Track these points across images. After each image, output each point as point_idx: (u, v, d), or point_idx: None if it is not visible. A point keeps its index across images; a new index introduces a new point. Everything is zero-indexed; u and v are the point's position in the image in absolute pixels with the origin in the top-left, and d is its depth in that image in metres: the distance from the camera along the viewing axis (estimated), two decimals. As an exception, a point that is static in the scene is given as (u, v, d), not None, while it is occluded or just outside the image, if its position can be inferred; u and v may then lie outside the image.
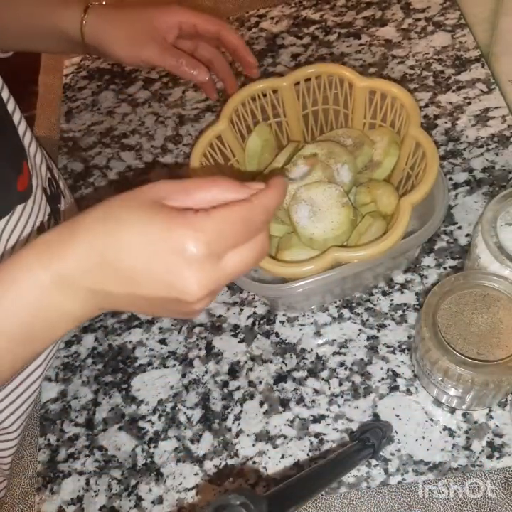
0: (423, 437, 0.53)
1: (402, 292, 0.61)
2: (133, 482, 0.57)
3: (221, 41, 0.64)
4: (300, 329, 0.61)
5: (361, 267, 0.53)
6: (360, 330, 0.60)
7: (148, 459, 0.58)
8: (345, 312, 0.61)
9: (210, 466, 0.56)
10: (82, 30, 0.60)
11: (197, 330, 0.63)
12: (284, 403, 0.58)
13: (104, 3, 0.61)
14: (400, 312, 0.60)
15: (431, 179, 0.51)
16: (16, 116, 0.56)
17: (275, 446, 0.56)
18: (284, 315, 0.62)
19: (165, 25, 0.60)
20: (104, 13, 0.60)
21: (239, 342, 0.62)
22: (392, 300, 0.61)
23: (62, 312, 0.37)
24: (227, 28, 0.63)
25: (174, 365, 0.62)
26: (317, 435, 0.56)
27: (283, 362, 0.60)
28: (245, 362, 0.60)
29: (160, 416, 0.60)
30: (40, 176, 0.59)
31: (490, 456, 0.52)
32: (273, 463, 0.55)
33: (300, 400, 0.57)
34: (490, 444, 0.52)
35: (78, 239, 0.35)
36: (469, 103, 0.72)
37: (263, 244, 0.37)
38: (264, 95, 0.62)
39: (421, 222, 0.54)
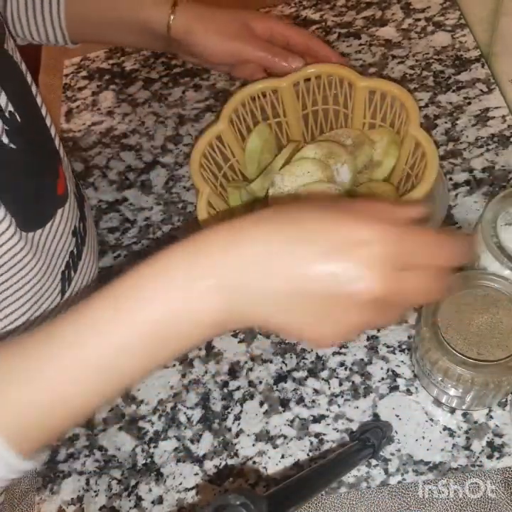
0: (423, 437, 0.53)
1: (402, 292, 0.61)
2: (133, 482, 0.57)
3: (310, 53, 0.62)
4: (300, 329, 0.61)
5: None
6: (360, 330, 0.60)
7: (148, 459, 0.58)
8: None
9: (210, 466, 0.56)
10: (170, 23, 0.59)
11: (197, 330, 0.63)
12: (284, 403, 0.58)
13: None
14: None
15: (431, 178, 0.51)
16: (48, 120, 0.56)
17: (275, 446, 0.56)
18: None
19: (258, 26, 0.60)
20: (194, 8, 0.60)
21: (239, 342, 0.62)
22: (392, 300, 0.61)
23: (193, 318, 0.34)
24: (316, 40, 0.62)
25: (174, 365, 0.62)
26: (317, 435, 0.56)
27: (283, 362, 0.60)
28: (245, 362, 0.60)
29: (160, 416, 0.60)
30: (70, 181, 0.59)
31: (490, 456, 0.52)
32: (273, 463, 0.55)
33: (300, 400, 0.57)
34: (490, 444, 0.52)
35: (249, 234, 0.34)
36: (469, 103, 0.72)
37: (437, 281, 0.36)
38: (264, 95, 0.61)
39: (420, 223, 0.54)
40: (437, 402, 0.54)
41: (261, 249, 0.33)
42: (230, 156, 0.62)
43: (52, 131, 0.57)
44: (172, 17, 0.59)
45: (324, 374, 0.58)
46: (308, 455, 0.55)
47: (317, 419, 0.56)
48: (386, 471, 0.53)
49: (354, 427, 0.55)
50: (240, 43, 0.60)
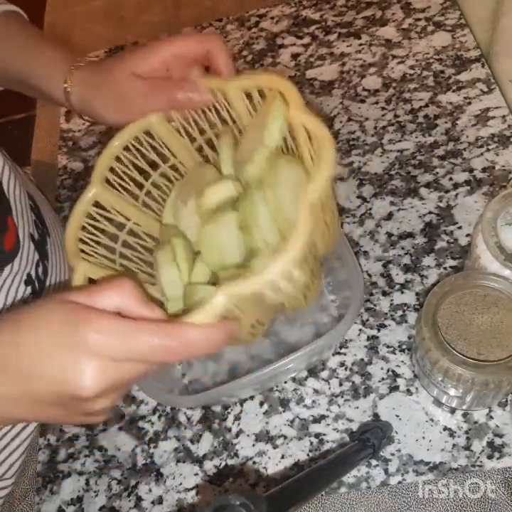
0: (423, 437, 0.53)
1: (402, 292, 0.61)
2: (133, 482, 0.57)
3: (209, 61, 0.52)
4: (300, 329, 0.61)
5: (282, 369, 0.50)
6: (360, 330, 0.60)
7: (148, 459, 0.58)
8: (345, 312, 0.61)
9: (210, 466, 0.56)
10: (70, 101, 0.55)
11: (197, 330, 0.63)
12: (284, 403, 0.58)
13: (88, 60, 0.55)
14: (400, 312, 0.60)
15: (327, 165, 0.40)
16: None
17: (275, 447, 0.56)
18: (283, 315, 0.62)
19: (144, 72, 0.51)
20: (86, 80, 0.54)
21: (239, 342, 0.62)
22: (392, 300, 0.61)
23: None
24: (218, 47, 0.51)
25: (174, 365, 0.62)
26: (317, 435, 0.56)
27: (283, 362, 0.60)
28: (245, 362, 0.60)
29: (160, 416, 0.60)
30: (27, 223, 0.56)
31: (490, 456, 0.52)
32: (273, 463, 0.55)
33: (300, 400, 0.57)
34: (490, 444, 0.52)
35: None
36: (469, 103, 0.72)
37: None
38: (140, 142, 0.53)
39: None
40: (437, 402, 0.54)
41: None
42: (119, 219, 0.54)
43: (5, 175, 0.54)
44: (69, 92, 0.54)
45: (324, 374, 0.58)
46: (308, 455, 0.55)
47: (317, 420, 0.56)
48: (386, 471, 0.53)
49: (354, 427, 0.55)
50: (136, 107, 0.52)
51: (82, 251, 0.49)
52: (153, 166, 0.56)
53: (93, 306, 0.34)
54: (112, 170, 0.53)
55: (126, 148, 0.53)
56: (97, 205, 0.51)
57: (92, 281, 0.47)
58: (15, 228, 0.54)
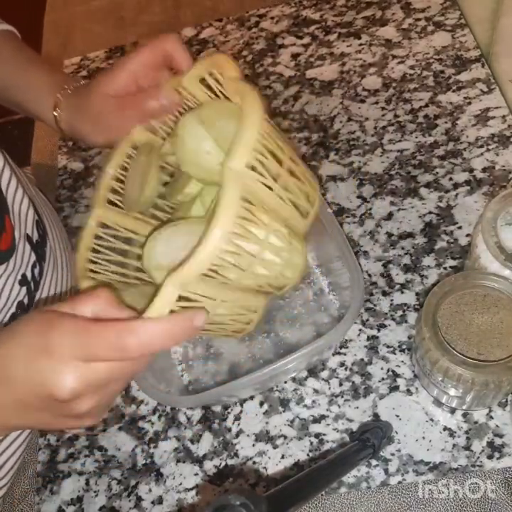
0: (423, 437, 0.53)
1: (402, 292, 0.61)
2: (133, 482, 0.57)
3: (170, 61, 0.53)
4: (300, 329, 0.61)
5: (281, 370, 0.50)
6: (360, 330, 0.60)
7: (148, 459, 0.58)
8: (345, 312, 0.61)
9: (210, 466, 0.56)
10: (59, 126, 0.57)
11: (197, 330, 0.63)
12: (284, 403, 0.58)
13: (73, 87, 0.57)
14: (400, 312, 0.60)
15: (252, 112, 0.39)
16: None
17: (275, 447, 0.56)
18: (283, 316, 0.62)
19: (115, 90, 0.53)
20: (71, 106, 0.56)
21: (239, 342, 0.62)
22: (392, 300, 0.61)
23: None
24: (173, 45, 0.52)
25: (174, 365, 0.62)
26: (317, 435, 0.56)
27: (283, 362, 0.60)
28: (245, 362, 0.60)
29: (160, 416, 0.60)
30: (25, 224, 0.57)
31: (490, 457, 0.52)
32: (273, 463, 0.55)
33: (300, 400, 0.57)
34: (490, 444, 0.52)
35: None
36: (469, 103, 0.72)
37: (137, 369, 0.38)
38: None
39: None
40: (437, 402, 0.54)
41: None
42: (127, 235, 0.54)
43: (5, 177, 0.55)
44: (58, 119, 0.56)
45: (324, 374, 0.58)
46: (308, 455, 0.55)
47: (317, 420, 0.56)
48: (386, 471, 0.53)
49: (354, 427, 0.55)
50: (115, 123, 0.54)
51: (93, 271, 0.51)
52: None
53: (72, 313, 0.37)
54: (113, 191, 0.54)
55: (123, 168, 0.54)
56: (102, 225, 0.53)
57: None
58: (11, 228, 0.54)
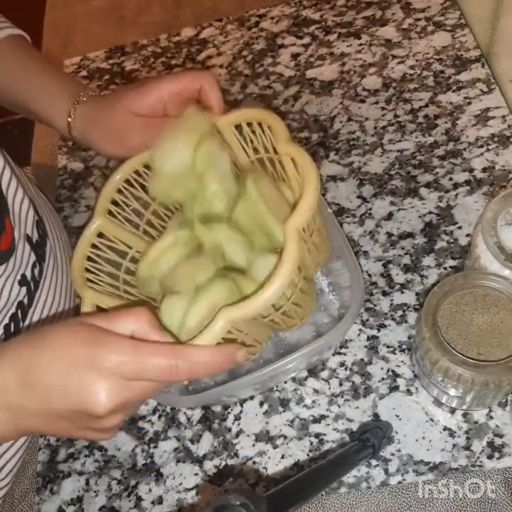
0: (423, 437, 0.53)
1: (402, 292, 0.61)
2: (133, 482, 0.57)
3: (202, 96, 0.55)
4: (300, 329, 0.61)
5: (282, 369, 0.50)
6: (360, 330, 0.60)
7: (148, 459, 0.58)
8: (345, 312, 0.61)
9: (210, 466, 0.56)
10: (71, 133, 0.57)
11: (197, 330, 0.63)
12: (284, 403, 0.58)
13: (89, 94, 0.58)
14: (400, 312, 0.60)
15: (310, 193, 0.43)
16: None
17: (275, 447, 0.56)
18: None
19: (142, 109, 0.54)
20: (86, 115, 0.56)
21: (239, 342, 0.62)
22: (392, 300, 0.61)
23: None
24: (210, 83, 0.54)
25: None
26: (317, 435, 0.56)
27: (283, 362, 0.60)
28: (245, 362, 0.60)
29: (160, 416, 0.60)
30: (25, 224, 0.57)
31: (490, 457, 0.52)
32: (273, 463, 0.55)
33: (300, 400, 0.57)
34: (490, 444, 0.52)
35: (3, 359, 0.38)
36: (469, 103, 0.72)
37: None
38: (139, 174, 0.56)
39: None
40: (437, 402, 0.54)
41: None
42: (124, 248, 0.56)
43: (6, 177, 0.55)
44: (71, 126, 0.57)
45: (324, 374, 0.58)
46: (308, 455, 0.55)
47: (317, 420, 0.56)
48: (386, 471, 0.53)
49: (354, 427, 0.55)
50: (132, 140, 0.55)
51: (89, 280, 0.52)
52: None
53: (112, 331, 0.38)
54: (113, 202, 0.55)
55: (127, 181, 0.56)
56: (100, 235, 0.54)
57: (99, 308, 0.49)
58: (11, 228, 0.54)
